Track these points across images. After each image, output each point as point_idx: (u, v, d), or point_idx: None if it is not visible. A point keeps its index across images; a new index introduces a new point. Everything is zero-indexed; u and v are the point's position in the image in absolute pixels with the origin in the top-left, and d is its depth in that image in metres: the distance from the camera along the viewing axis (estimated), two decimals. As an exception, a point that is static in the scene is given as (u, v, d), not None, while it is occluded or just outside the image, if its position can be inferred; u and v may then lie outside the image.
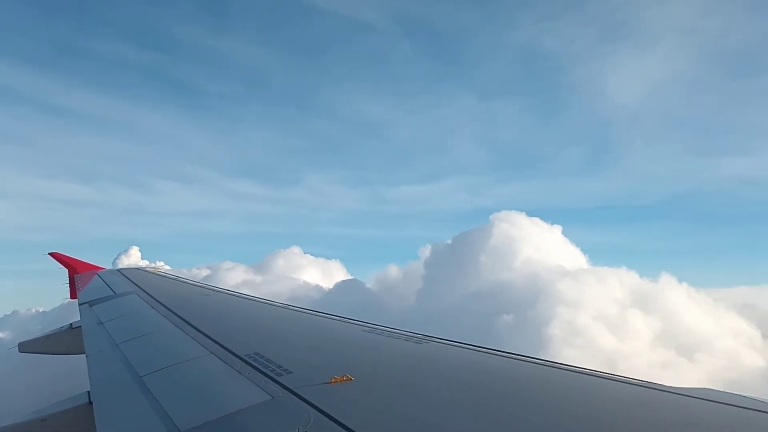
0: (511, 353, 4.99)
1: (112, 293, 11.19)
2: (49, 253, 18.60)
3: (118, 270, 15.65)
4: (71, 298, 15.35)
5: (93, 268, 17.24)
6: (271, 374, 4.22)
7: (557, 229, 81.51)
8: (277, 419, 3.37)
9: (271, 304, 8.96)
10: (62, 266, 17.73)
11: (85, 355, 6.40)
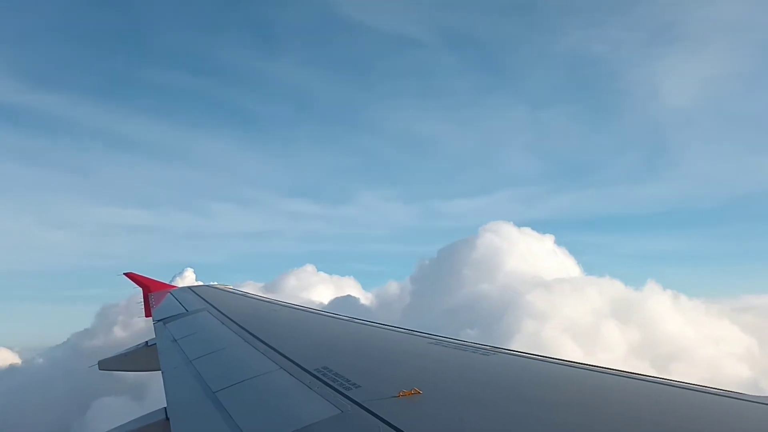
0: (587, 364, 4.85)
1: (185, 311, 11.52)
2: (124, 273, 19.34)
3: (189, 288, 16.11)
4: (146, 316, 15.89)
5: (165, 287, 17.81)
6: (340, 388, 4.25)
7: (549, 239, 79.51)
8: None
9: (338, 318, 9.05)
10: (137, 285, 18.40)
11: (160, 371, 6.61)
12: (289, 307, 11.35)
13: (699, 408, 3.61)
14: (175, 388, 5.76)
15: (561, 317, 55.97)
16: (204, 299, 12.63)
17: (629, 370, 4.53)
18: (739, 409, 3.53)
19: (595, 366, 4.72)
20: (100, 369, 10.57)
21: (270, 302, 12.43)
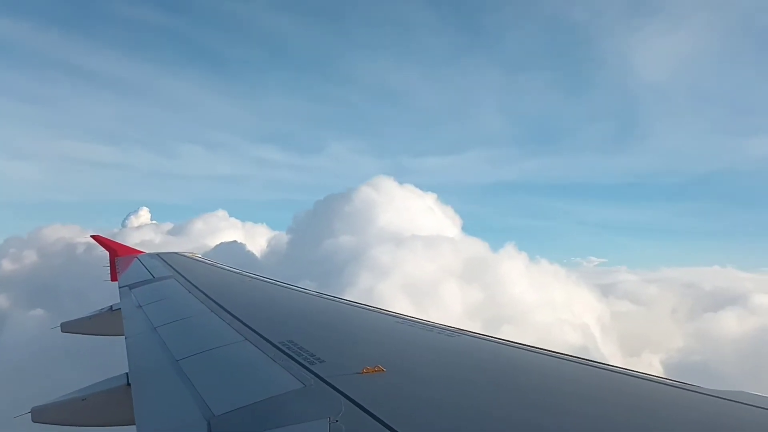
0: (546, 350, 4.95)
1: (151, 277, 11.42)
2: (91, 236, 19.05)
3: (156, 254, 15.95)
4: (112, 280, 15.69)
5: (133, 252, 17.59)
6: (304, 362, 4.27)
7: (431, 197, 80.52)
8: (309, 407, 3.41)
9: (307, 293, 9.05)
10: (104, 249, 18.13)
11: (124, 337, 6.56)
12: (259, 279, 11.31)
13: (662, 400, 3.70)
14: (137, 353, 5.73)
15: (403, 273, 56.41)
16: (171, 266, 12.53)
17: (596, 360, 4.64)
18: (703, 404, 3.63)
19: (561, 353, 4.81)
20: (62, 331, 10.45)
21: (239, 273, 12.37)
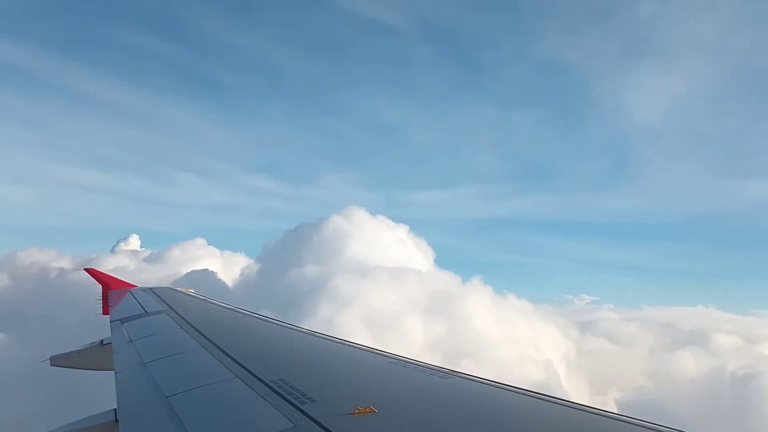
0: (540, 394, 4.90)
1: (143, 312, 11.35)
2: (84, 269, 18.95)
3: (150, 289, 15.88)
4: (104, 314, 15.57)
5: (126, 286, 17.49)
6: (295, 402, 4.23)
7: (403, 229, 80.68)
8: None
9: (298, 330, 8.99)
10: (96, 282, 18.02)
11: (114, 372, 6.50)
12: (251, 316, 11.25)
13: None
14: (126, 389, 5.67)
15: (364, 304, 55.89)
16: (164, 301, 12.46)
17: (588, 404, 4.59)
18: None
19: (556, 398, 4.77)
20: (51, 365, 10.34)
21: (231, 309, 12.30)
